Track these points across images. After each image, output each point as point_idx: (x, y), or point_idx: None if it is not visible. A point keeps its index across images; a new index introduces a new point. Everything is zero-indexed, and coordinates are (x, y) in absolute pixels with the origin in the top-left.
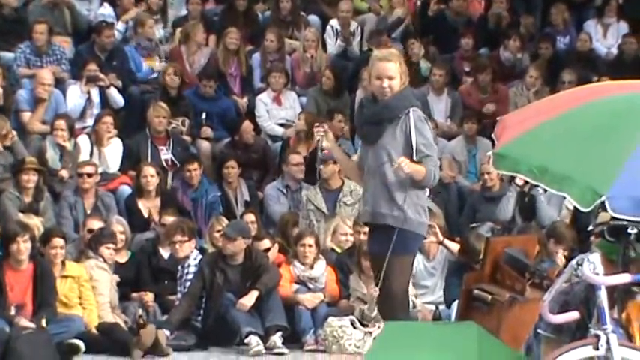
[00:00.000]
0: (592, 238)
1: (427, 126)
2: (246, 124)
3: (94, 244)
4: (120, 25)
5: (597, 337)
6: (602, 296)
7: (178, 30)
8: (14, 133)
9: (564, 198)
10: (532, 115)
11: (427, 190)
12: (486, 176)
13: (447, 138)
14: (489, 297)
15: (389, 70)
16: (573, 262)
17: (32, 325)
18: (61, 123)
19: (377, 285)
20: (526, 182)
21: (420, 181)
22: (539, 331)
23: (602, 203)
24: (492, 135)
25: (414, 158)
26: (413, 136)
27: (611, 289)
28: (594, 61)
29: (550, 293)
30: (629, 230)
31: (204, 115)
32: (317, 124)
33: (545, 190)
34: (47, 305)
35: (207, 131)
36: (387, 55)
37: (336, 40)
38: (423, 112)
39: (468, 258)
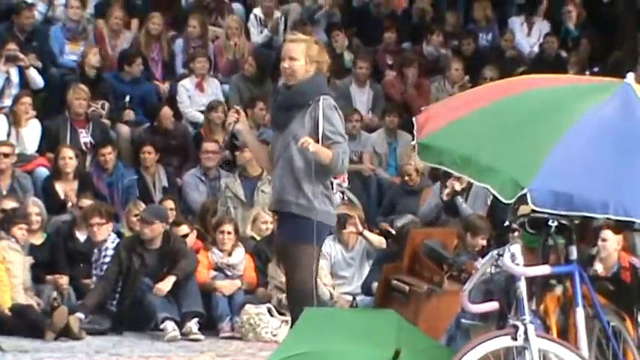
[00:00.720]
0: (511, 232)
1: (337, 114)
2: (166, 110)
3: (6, 225)
4: (41, 6)
5: (515, 327)
6: (522, 287)
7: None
8: None
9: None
10: (457, 106)
11: (334, 180)
12: (406, 177)
13: (368, 130)
14: (407, 288)
15: (291, 51)
16: (494, 252)
17: None
18: None
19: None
20: (454, 193)
21: (327, 165)
22: (463, 321)
23: (522, 196)
24: (414, 121)
25: (323, 143)
26: (320, 123)
27: (531, 281)
28: (516, 58)
29: (470, 283)
30: (549, 223)
31: (127, 99)
32: (232, 110)
33: (466, 198)
34: None
35: (129, 114)
36: (293, 38)
37: (260, 29)
38: (341, 102)
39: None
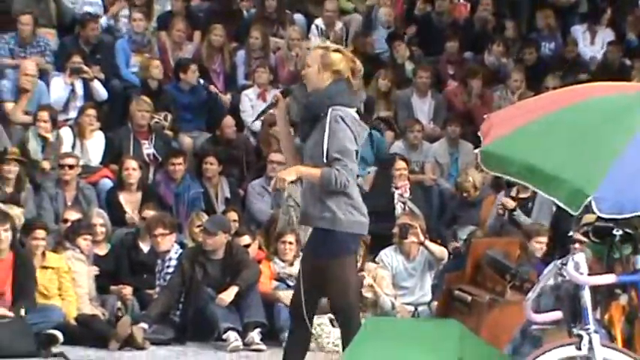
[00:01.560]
0: (574, 242)
1: (343, 126)
2: (228, 120)
3: (71, 236)
4: (104, 19)
5: (580, 337)
6: (586, 296)
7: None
8: None
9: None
10: (521, 114)
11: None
12: (464, 193)
13: (430, 140)
14: (469, 298)
15: (307, 58)
16: (557, 262)
17: (11, 314)
18: (44, 114)
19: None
20: (505, 211)
21: (321, 184)
22: (533, 327)
23: (587, 205)
24: (479, 132)
25: (324, 161)
26: (325, 138)
27: (595, 290)
28: (579, 67)
29: (534, 292)
30: (614, 232)
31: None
32: (276, 94)
33: (532, 207)
34: (26, 295)
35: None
36: (314, 45)
37: (322, 39)
38: (403, 112)
39: None
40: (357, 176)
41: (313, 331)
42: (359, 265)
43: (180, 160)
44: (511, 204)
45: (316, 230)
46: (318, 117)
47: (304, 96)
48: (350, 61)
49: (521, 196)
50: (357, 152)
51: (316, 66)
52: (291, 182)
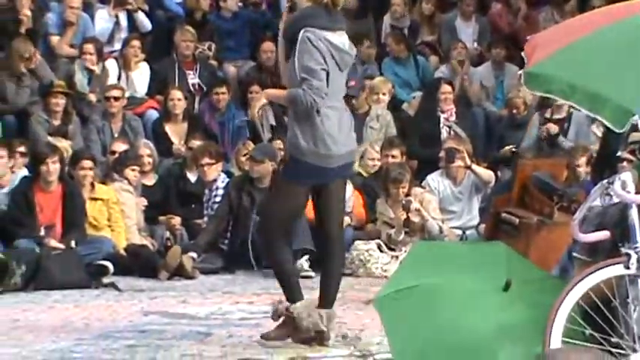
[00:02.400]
0: (622, 162)
1: (311, 46)
2: (267, 45)
3: (118, 167)
4: None
5: (628, 255)
6: (634, 215)
7: None
8: (38, 55)
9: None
10: (564, 34)
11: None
12: (514, 109)
13: (474, 64)
14: (517, 220)
15: None
16: (604, 181)
17: (61, 245)
18: (90, 47)
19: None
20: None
21: (290, 105)
22: (573, 253)
23: (633, 125)
24: (522, 53)
25: (298, 79)
26: (296, 59)
27: None
28: None
29: (581, 212)
30: None
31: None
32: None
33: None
34: (76, 227)
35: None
36: None
37: None
38: (446, 36)
39: None
40: (402, 102)
41: (363, 256)
42: (405, 190)
43: (223, 89)
44: (555, 128)
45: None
46: (295, 39)
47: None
48: None
49: (556, 116)
50: (327, 73)
51: None
52: (263, 107)
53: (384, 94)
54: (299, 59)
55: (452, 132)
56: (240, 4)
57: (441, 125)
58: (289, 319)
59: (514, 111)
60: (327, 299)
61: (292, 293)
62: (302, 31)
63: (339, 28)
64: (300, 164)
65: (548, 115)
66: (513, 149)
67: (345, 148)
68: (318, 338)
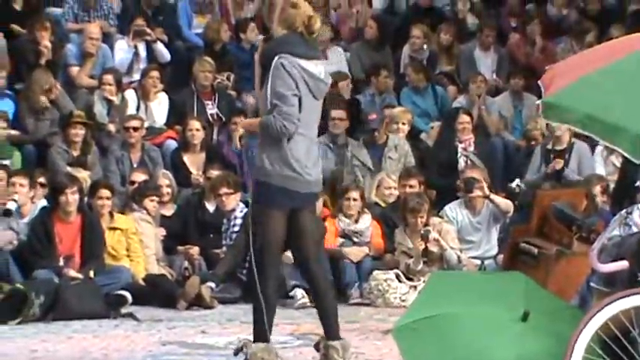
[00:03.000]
0: None
1: (283, 72)
2: None
3: (138, 197)
4: None
5: None
6: None
7: None
8: (58, 86)
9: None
10: (582, 64)
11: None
12: (532, 141)
13: (493, 94)
14: (536, 250)
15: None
16: (623, 211)
17: (80, 276)
18: (109, 77)
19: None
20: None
21: (261, 132)
22: (591, 284)
23: None
24: (539, 82)
25: (268, 106)
26: (269, 85)
27: None
28: None
29: (599, 242)
30: None
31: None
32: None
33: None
34: (95, 257)
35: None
36: None
37: None
38: (465, 67)
39: None
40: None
41: (381, 286)
42: (423, 219)
43: (241, 119)
44: (560, 164)
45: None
46: (269, 66)
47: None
48: (304, 16)
49: (557, 147)
50: (299, 99)
51: (276, 20)
52: (242, 136)
53: (403, 123)
54: (272, 85)
55: (469, 162)
56: (259, 36)
57: (459, 155)
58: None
59: (532, 142)
60: (330, 331)
61: (258, 332)
62: (276, 58)
63: (314, 56)
64: (266, 187)
65: (549, 146)
66: (518, 184)
67: (311, 176)
68: None
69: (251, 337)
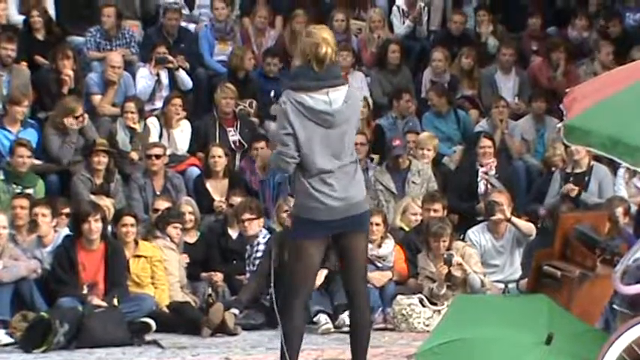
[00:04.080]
0: None
1: (282, 114)
2: None
3: (161, 225)
4: (186, 9)
5: None
6: None
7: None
8: (86, 115)
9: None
10: (603, 87)
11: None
12: (553, 168)
13: (515, 117)
14: (559, 273)
15: None
16: None
17: (104, 303)
18: (131, 105)
19: None
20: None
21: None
22: (614, 306)
23: None
24: (561, 106)
25: None
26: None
27: None
28: None
29: (622, 264)
30: None
31: (272, 94)
32: None
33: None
34: (119, 285)
35: (273, 111)
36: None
37: (403, 20)
38: (487, 89)
39: None
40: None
41: (405, 310)
42: (446, 244)
43: (262, 144)
44: (573, 191)
45: None
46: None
47: None
48: (313, 45)
49: (577, 171)
50: (293, 136)
51: (298, 51)
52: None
53: (429, 149)
54: (276, 123)
55: (490, 185)
56: (281, 64)
57: (479, 179)
58: None
59: (552, 169)
60: (357, 355)
61: (285, 358)
62: (283, 95)
63: (325, 85)
64: (296, 220)
65: (569, 170)
66: (542, 211)
67: (340, 201)
68: None
69: None
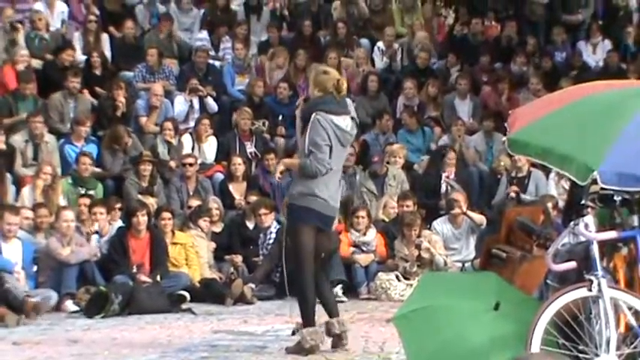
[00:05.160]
0: (585, 207)
1: (319, 127)
2: None
3: (193, 218)
4: (212, 50)
5: (590, 280)
6: (595, 249)
7: (267, 52)
8: (129, 139)
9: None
10: (539, 108)
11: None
12: (498, 175)
13: (470, 134)
14: (504, 255)
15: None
16: (571, 223)
17: (150, 280)
18: (169, 124)
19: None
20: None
21: (299, 171)
22: (548, 281)
23: (593, 180)
24: (505, 124)
25: (306, 152)
26: (307, 135)
27: (602, 244)
28: (585, 72)
29: (553, 247)
30: (614, 197)
31: (280, 117)
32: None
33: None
34: (161, 265)
35: (281, 130)
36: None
37: (382, 57)
38: (447, 112)
39: None
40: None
41: (384, 284)
42: (417, 232)
43: (272, 156)
44: (515, 190)
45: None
46: (308, 120)
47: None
48: (334, 80)
49: (519, 175)
50: (330, 148)
51: (311, 84)
52: (283, 171)
53: (400, 157)
54: (310, 135)
55: (450, 187)
56: (290, 92)
57: (442, 181)
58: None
59: (498, 176)
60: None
61: (306, 320)
62: (314, 114)
63: (344, 112)
64: (294, 208)
65: (513, 174)
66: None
67: (335, 202)
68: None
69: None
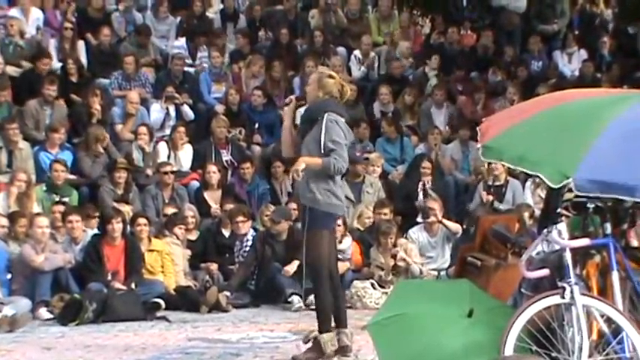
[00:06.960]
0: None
1: (337, 127)
2: None
3: (169, 226)
4: (189, 58)
5: (563, 288)
6: (567, 256)
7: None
8: (107, 138)
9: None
10: (513, 115)
11: (339, 178)
12: (479, 175)
13: (446, 142)
14: (479, 263)
15: (309, 79)
16: (545, 230)
17: (124, 287)
18: (143, 129)
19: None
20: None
21: (322, 170)
22: (522, 289)
23: (567, 185)
24: (477, 129)
25: (322, 151)
26: (322, 134)
27: (575, 252)
28: (561, 81)
29: (526, 254)
30: (588, 205)
31: (257, 126)
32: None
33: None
34: (135, 272)
35: (257, 137)
36: (316, 70)
37: (359, 66)
38: (424, 121)
39: None
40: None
41: (359, 292)
42: (392, 240)
43: (248, 165)
44: (489, 199)
45: (303, 206)
46: (315, 121)
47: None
48: (339, 84)
49: (496, 184)
50: (345, 146)
51: (314, 85)
52: (303, 170)
53: (378, 166)
54: (327, 135)
55: (426, 195)
56: (264, 100)
57: (419, 189)
58: (316, 345)
59: (479, 177)
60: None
61: (324, 326)
62: (326, 115)
63: (344, 116)
64: (318, 213)
65: (490, 182)
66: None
67: (344, 202)
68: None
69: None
